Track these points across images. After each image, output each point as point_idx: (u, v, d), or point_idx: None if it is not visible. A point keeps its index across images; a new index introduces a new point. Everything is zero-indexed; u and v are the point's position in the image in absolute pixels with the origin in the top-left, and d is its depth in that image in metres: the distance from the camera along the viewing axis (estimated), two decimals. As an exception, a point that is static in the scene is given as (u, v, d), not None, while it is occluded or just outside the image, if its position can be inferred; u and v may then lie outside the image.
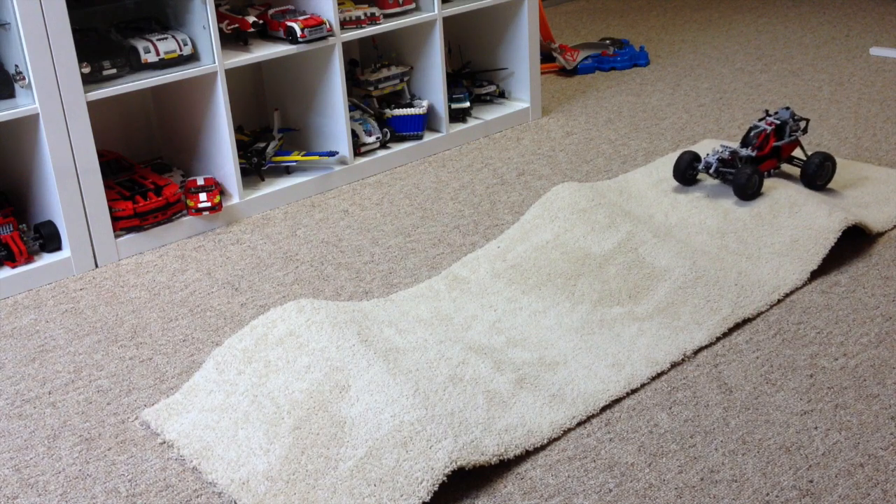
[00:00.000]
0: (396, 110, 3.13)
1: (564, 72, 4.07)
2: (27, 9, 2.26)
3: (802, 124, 2.68)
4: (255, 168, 2.87)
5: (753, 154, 2.56)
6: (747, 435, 1.70)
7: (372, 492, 1.56)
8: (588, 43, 4.27)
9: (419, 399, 1.72)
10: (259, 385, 1.84)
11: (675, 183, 2.65)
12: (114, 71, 2.52)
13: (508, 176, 2.96)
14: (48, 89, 2.34)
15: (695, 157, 2.63)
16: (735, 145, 2.72)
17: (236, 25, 2.76)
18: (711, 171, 2.58)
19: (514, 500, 1.58)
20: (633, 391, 1.84)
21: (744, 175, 2.47)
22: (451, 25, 3.46)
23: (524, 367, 1.89)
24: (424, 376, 1.81)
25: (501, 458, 1.64)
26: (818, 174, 2.57)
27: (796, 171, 2.71)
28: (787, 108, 2.65)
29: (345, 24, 2.90)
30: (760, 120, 2.64)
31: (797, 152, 2.80)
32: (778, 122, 2.60)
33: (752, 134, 2.61)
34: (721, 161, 2.58)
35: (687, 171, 2.63)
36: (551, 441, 1.71)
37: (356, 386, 1.77)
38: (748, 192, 2.48)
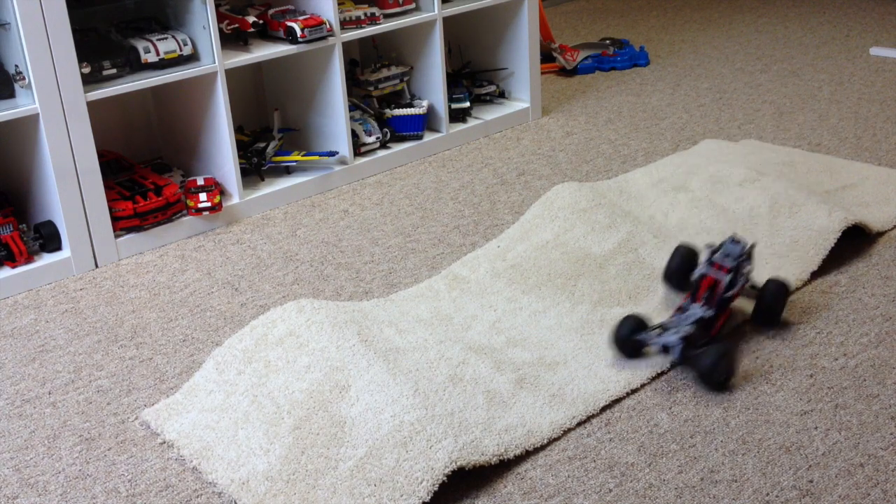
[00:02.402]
0: (396, 110, 3.13)
1: (564, 72, 4.07)
2: (27, 9, 2.26)
3: (748, 261, 1.99)
4: (255, 168, 2.87)
5: (713, 313, 1.91)
6: (747, 435, 1.70)
7: (372, 492, 1.56)
8: (588, 43, 4.27)
9: (419, 399, 1.72)
10: (259, 385, 1.84)
11: (675, 183, 2.64)
12: (114, 71, 2.52)
13: (508, 176, 2.96)
14: (48, 89, 2.34)
15: (640, 325, 1.92)
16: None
17: (236, 25, 2.76)
18: (673, 355, 1.88)
19: (514, 500, 1.58)
20: (633, 391, 1.84)
21: (710, 357, 1.81)
22: (451, 25, 3.45)
23: (524, 367, 1.89)
24: (424, 376, 1.81)
25: (501, 458, 1.64)
26: (775, 306, 2.00)
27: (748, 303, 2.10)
28: (734, 240, 1.98)
29: (345, 24, 2.90)
30: (708, 262, 1.97)
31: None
32: (732, 265, 1.94)
33: (694, 280, 1.97)
34: (686, 340, 1.87)
35: (627, 342, 1.92)
36: (551, 441, 1.71)
37: (356, 386, 1.77)
38: (715, 379, 1.83)
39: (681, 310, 1.94)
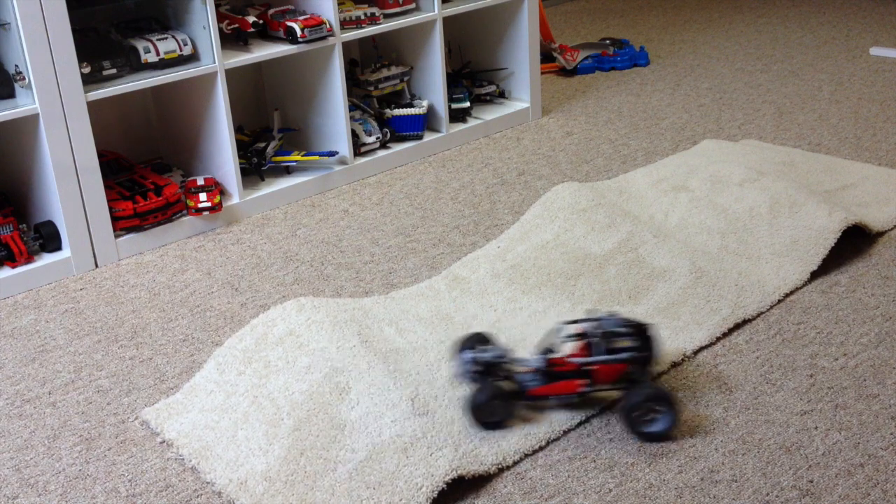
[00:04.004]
0: (396, 110, 3.13)
1: (564, 72, 4.07)
2: (27, 9, 2.26)
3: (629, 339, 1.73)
4: (255, 168, 2.87)
5: (543, 365, 1.72)
6: (747, 435, 1.70)
7: (370, 495, 1.56)
8: (588, 43, 4.27)
9: (420, 405, 1.72)
10: (259, 386, 1.84)
11: (675, 183, 2.64)
12: (114, 71, 2.52)
13: (508, 176, 2.96)
14: (48, 89, 2.34)
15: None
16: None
17: (236, 25, 2.76)
18: (463, 376, 1.78)
19: (514, 500, 1.58)
20: (633, 391, 1.84)
21: (483, 393, 1.70)
22: (451, 25, 3.45)
23: (524, 367, 1.89)
24: (425, 380, 1.81)
25: (500, 466, 1.64)
26: (640, 411, 1.69)
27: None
28: (615, 317, 1.74)
29: (345, 24, 2.90)
30: (570, 323, 1.79)
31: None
32: (594, 332, 1.72)
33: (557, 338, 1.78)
34: (481, 364, 1.75)
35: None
36: (550, 441, 1.71)
37: (356, 388, 1.77)
38: (482, 416, 1.70)
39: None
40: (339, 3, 2.89)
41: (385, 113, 3.13)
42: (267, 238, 2.63)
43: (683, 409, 1.76)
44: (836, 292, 2.15)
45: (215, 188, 2.67)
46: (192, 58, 2.63)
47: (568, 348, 1.77)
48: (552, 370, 1.72)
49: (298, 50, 2.79)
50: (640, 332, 1.72)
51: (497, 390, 1.70)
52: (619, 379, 1.72)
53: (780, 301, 2.13)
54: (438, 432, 1.65)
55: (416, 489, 1.55)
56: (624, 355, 1.70)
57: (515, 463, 1.66)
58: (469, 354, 1.76)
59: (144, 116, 2.94)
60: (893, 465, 1.61)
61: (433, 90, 3.18)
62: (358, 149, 3.03)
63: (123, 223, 2.55)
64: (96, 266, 2.51)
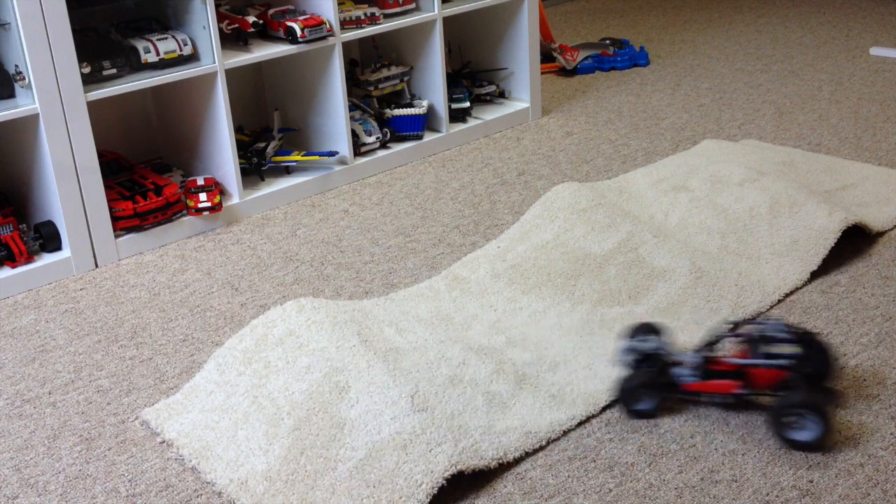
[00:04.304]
0: (396, 110, 3.13)
1: (564, 72, 4.07)
2: (27, 9, 2.26)
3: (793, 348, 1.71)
4: (255, 168, 2.87)
5: (700, 361, 1.74)
6: (747, 435, 1.70)
7: (371, 493, 1.56)
8: (588, 43, 4.27)
9: (419, 402, 1.72)
10: (259, 386, 1.84)
11: (675, 183, 2.64)
12: (114, 71, 2.52)
13: (508, 176, 2.96)
14: (48, 89, 2.34)
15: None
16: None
17: (236, 25, 2.76)
18: (622, 362, 1.83)
19: (514, 500, 1.58)
20: (633, 391, 1.84)
21: (632, 380, 1.75)
22: (451, 25, 3.45)
23: (524, 367, 1.89)
24: (424, 378, 1.81)
25: (500, 461, 1.64)
26: (790, 415, 1.65)
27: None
28: (781, 322, 1.74)
29: (345, 24, 2.90)
30: (730, 327, 1.79)
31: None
32: (756, 334, 1.72)
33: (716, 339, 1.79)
34: (639, 353, 1.80)
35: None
36: (551, 441, 1.71)
37: (356, 387, 1.77)
38: (628, 401, 1.76)
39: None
40: (339, 3, 2.89)
41: (385, 113, 3.13)
42: (267, 238, 2.63)
43: (835, 423, 1.69)
44: (836, 292, 2.15)
45: (215, 188, 2.67)
46: (192, 58, 2.63)
47: (728, 348, 1.79)
48: (709, 368, 1.73)
49: (298, 50, 2.79)
50: (805, 341, 1.71)
51: (646, 379, 1.74)
52: (778, 386, 1.69)
53: (780, 301, 2.13)
54: (438, 428, 1.65)
55: (416, 486, 1.55)
56: (784, 361, 1.68)
57: (516, 460, 1.66)
58: (630, 343, 1.81)
59: (144, 116, 2.94)
60: (893, 465, 1.61)
61: (433, 90, 3.18)
62: (358, 149, 3.03)
63: (123, 223, 2.55)
64: (96, 266, 2.51)
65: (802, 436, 1.64)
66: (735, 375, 1.71)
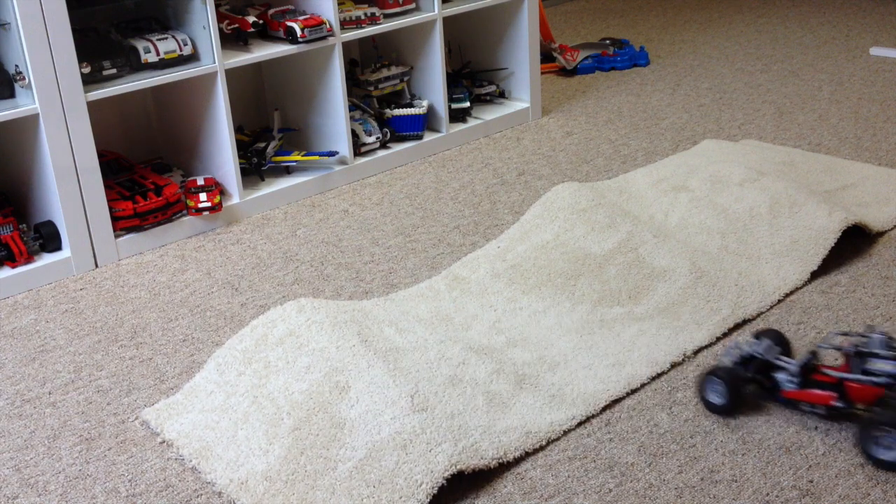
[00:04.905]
0: (396, 110, 3.13)
1: (564, 72, 4.07)
2: (27, 9, 2.26)
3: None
4: (255, 168, 2.87)
5: (801, 370, 1.73)
6: (747, 435, 1.70)
7: (371, 493, 1.56)
8: (588, 43, 4.27)
9: (419, 402, 1.72)
10: (259, 386, 1.84)
11: (675, 183, 2.64)
12: (114, 71, 2.52)
13: (508, 176, 2.96)
14: (48, 89, 2.34)
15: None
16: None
17: (236, 25, 2.76)
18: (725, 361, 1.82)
19: (514, 500, 1.58)
20: (633, 391, 1.84)
21: (717, 372, 1.76)
22: (451, 25, 3.45)
23: (524, 367, 1.89)
24: (424, 377, 1.81)
25: (501, 461, 1.64)
26: (882, 432, 1.60)
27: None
28: (885, 336, 1.70)
29: (345, 24, 2.90)
30: (836, 339, 1.82)
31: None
32: (858, 348, 1.70)
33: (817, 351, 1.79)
34: (742, 354, 1.79)
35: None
36: (551, 441, 1.71)
37: (356, 387, 1.77)
38: (706, 394, 1.78)
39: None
40: (339, 3, 2.89)
41: (385, 113, 3.13)
42: (267, 238, 2.63)
43: None
44: (836, 292, 2.15)
45: (215, 188, 2.67)
46: (192, 58, 2.63)
47: (832, 360, 1.80)
48: (810, 377, 1.72)
49: (298, 50, 2.79)
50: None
51: (734, 378, 1.73)
52: (875, 402, 1.66)
53: (780, 301, 2.13)
54: (438, 428, 1.65)
55: (416, 486, 1.55)
56: (883, 379, 1.65)
57: (516, 460, 1.66)
58: (738, 341, 1.81)
59: (144, 116, 2.94)
60: (893, 465, 1.61)
61: (433, 90, 3.18)
62: (358, 149, 3.03)
63: (123, 223, 2.55)
64: (96, 266, 2.51)
65: (889, 455, 1.59)
66: (833, 388, 1.70)
